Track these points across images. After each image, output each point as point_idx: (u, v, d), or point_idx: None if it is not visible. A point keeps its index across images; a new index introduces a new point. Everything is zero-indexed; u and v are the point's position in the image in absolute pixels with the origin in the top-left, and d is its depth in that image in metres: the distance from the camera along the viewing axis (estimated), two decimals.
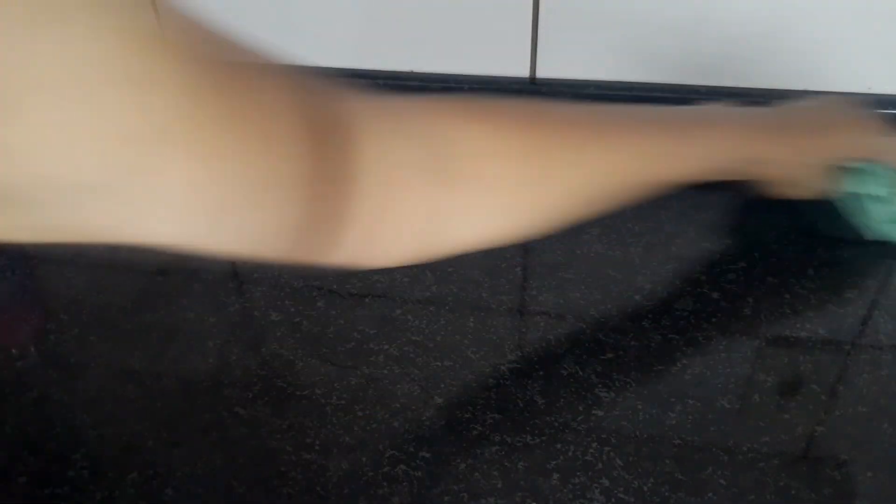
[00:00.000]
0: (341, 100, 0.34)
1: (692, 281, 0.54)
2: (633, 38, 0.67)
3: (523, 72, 0.72)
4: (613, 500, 0.39)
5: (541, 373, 0.47)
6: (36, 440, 0.45)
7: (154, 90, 0.24)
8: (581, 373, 0.47)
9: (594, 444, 0.43)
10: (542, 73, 0.71)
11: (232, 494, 0.41)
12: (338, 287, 0.56)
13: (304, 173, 0.30)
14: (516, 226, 0.42)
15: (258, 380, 0.48)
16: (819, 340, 0.49)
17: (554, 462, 0.42)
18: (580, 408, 0.45)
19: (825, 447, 0.42)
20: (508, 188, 0.39)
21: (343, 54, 0.75)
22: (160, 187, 0.26)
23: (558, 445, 0.43)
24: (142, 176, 0.25)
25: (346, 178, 0.32)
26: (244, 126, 0.27)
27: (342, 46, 0.75)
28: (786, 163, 0.51)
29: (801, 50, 0.65)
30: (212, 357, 0.50)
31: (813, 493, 0.39)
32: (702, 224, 0.60)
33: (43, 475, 0.43)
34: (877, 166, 0.53)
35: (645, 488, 0.40)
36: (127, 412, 0.47)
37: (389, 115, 0.36)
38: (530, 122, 0.40)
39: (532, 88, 0.71)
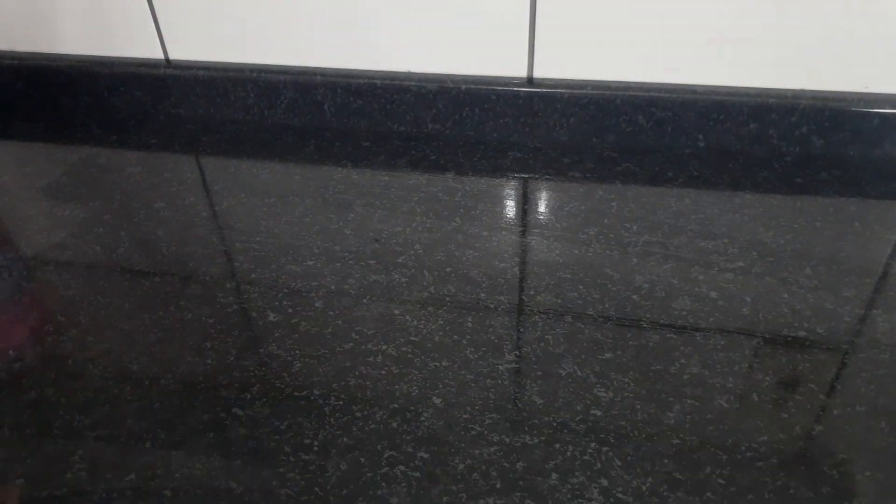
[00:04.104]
0: None
1: (690, 280, 0.54)
2: (629, 38, 0.68)
3: (521, 72, 0.72)
4: (612, 499, 0.39)
5: (539, 373, 0.47)
6: (34, 441, 0.45)
7: None
8: (579, 372, 0.47)
9: (593, 444, 0.43)
10: (539, 73, 0.71)
11: (231, 495, 0.41)
12: (336, 287, 0.56)
13: None
14: None
15: (256, 380, 0.48)
16: (817, 340, 0.49)
17: (552, 462, 0.42)
18: (578, 408, 0.45)
19: (823, 446, 0.42)
20: None
21: (342, 55, 0.75)
22: None
23: (557, 445, 0.43)
24: None
25: None
26: None
27: (341, 47, 0.75)
28: None
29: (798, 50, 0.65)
30: (210, 358, 0.50)
31: (811, 492, 0.39)
32: (699, 223, 0.60)
33: (41, 476, 0.43)
34: None
35: (644, 488, 0.40)
36: (125, 413, 0.46)
37: None
38: None
39: (530, 88, 0.71)
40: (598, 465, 0.41)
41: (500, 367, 0.48)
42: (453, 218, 0.63)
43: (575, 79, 0.71)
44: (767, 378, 0.46)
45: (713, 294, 0.53)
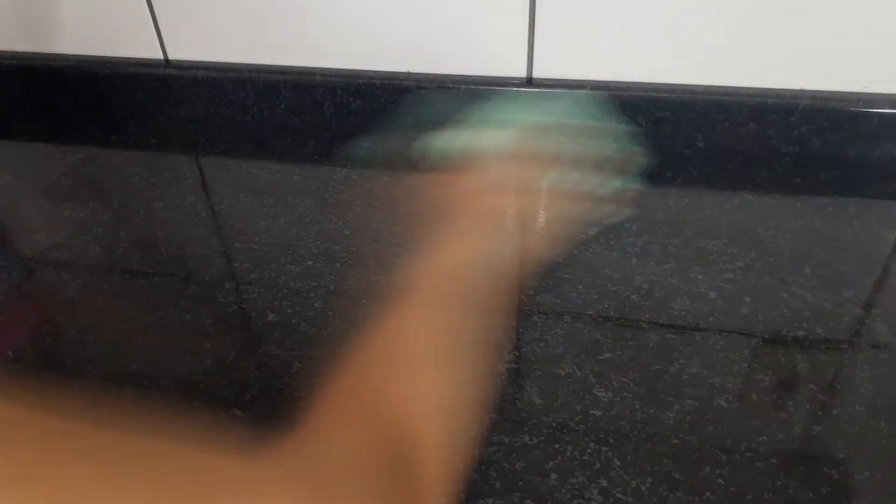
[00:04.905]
0: None
1: (689, 280, 0.54)
2: (628, 38, 0.67)
3: (520, 72, 0.72)
4: (612, 499, 0.39)
5: (538, 373, 0.47)
6: None
7: None
8: (579, 373, 0.47)
9: (592, 444, 0.43)
10: (538, 73, 0.71)
11: None
12: (335, 288, 0.56)
13: None
14: None
15: (256, 381, 0.48)
16: (816, 340, 0.49)
17: (552, 462, 0.42)
18: (578, 408, 0.45)
19: (823, 446, 0.42)
20: None
21: (342, 56, 0.75)
22: None
23: (556, 445, 0.43)
24: None
25: None
26: None
27: (341, 48, 0.75)
28: None
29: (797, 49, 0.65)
30: (209, 358, 0.50)
31: (811, 492, 0.39)
32: (699, 223, 0.60)
33: None
34: None
35: (643, 488, 0.40)
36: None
37: None
38: None
39: (530, 88, 0.71)
40: (598, 465, 0.41)
41: (500, 368, 0.48)
42: None
43: (574, 79, 0.71)
44: (767, 378, 0.46)
45: (712, 294, 0.53)
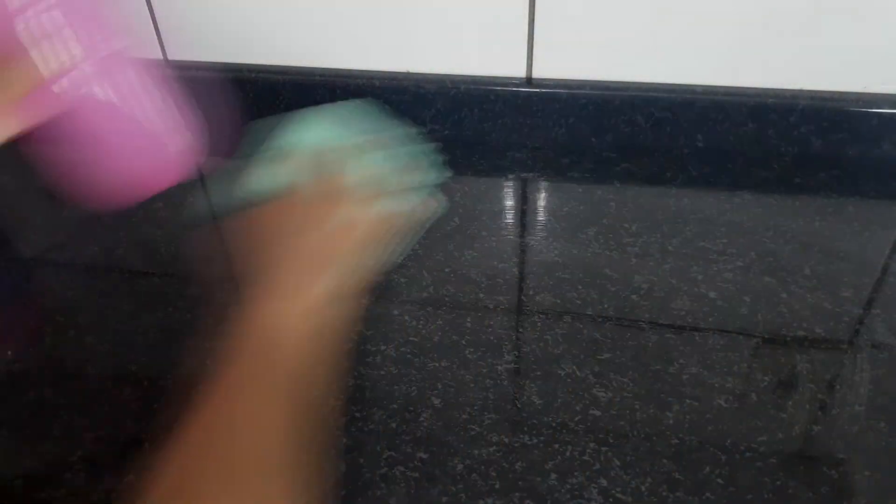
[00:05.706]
0: None
1: (689, 280, 0.54)
2: (628, 38, 0.67)
3: (520, 72, 0.72)
4: (611, 499, 0.39)
5: (538, 373, 0.47)
6: (33, 443, 0.45)
7: None
8: (578, 373, 0.47)
9: (592, 444, 0.43)
10: (538, 73, 0.71)
11: None
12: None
13: None
14: None
15: None
16: (816, 339, 0.49)
17: (552, 462, 0.42)
18: (577, 408, 0.45)
19: (822, 446, 0.42)
20: None
21: (341, 55, 0.75)
22: None
23: (556, 445, 0.43)
24: None
25: None
26: None
27: (340, 47, 0.75)
28: None
29: (789, 47, 0.65)
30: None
31: (810, 492, 0.39)
32: (698, 223, 0.60)
33: (39, 478, 0.43)
34: None
35: (643, 488, 0.40)
36: (124, 415, 0.46)
37: None
38: None
39: (529, 88, 0.71)
40: (598, 465, 0.41)
41: (499, 368, 0.48)
42: (452, 218, 0.63)
43: (574, 79, 0.71)
44: (766, 378, 0.46)
45: (712, 294, 0.53)
